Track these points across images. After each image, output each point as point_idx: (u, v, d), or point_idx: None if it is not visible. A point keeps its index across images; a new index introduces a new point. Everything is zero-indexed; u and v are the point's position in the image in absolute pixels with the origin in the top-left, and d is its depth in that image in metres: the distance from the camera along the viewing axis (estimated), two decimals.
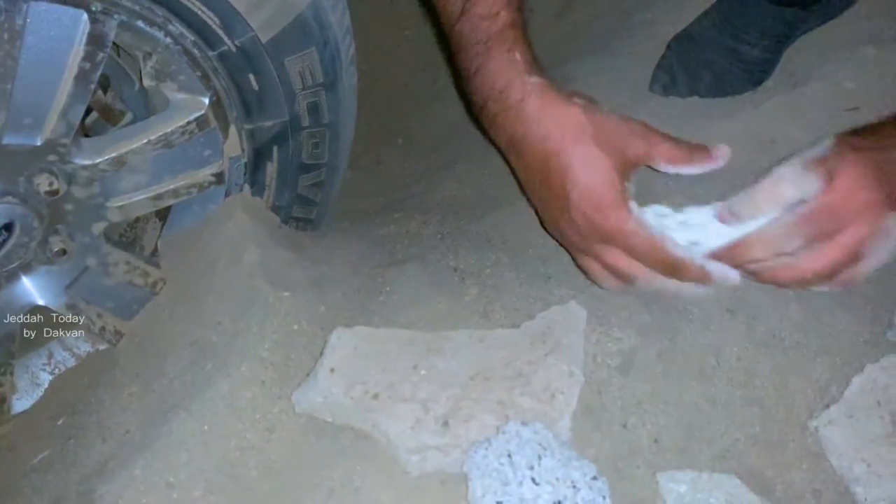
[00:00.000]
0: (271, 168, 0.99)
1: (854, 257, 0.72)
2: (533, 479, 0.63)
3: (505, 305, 0.84)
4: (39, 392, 0.97)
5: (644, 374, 0.77)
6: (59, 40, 0.73)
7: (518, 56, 0.78)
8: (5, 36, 0.69)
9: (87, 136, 0.97)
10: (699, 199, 0.84)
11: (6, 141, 0.76)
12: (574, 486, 0.64)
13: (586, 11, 1.36)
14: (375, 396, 0.72)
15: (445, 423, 0.70)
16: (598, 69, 1.14)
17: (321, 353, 0.77)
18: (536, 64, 0.80)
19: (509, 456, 0.65)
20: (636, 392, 0.76)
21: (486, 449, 0.66)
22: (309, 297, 0.88)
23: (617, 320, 0.79)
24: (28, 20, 0.70)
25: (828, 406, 0.75)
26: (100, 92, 0.96)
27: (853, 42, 1.03)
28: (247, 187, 0.99)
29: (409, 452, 0.69)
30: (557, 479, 0.64)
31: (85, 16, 0.73)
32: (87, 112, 0.93)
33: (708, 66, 1.07)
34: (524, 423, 0.67)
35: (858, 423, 0.72)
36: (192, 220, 1.00)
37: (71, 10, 0.72)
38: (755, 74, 1.06)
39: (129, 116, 0.95)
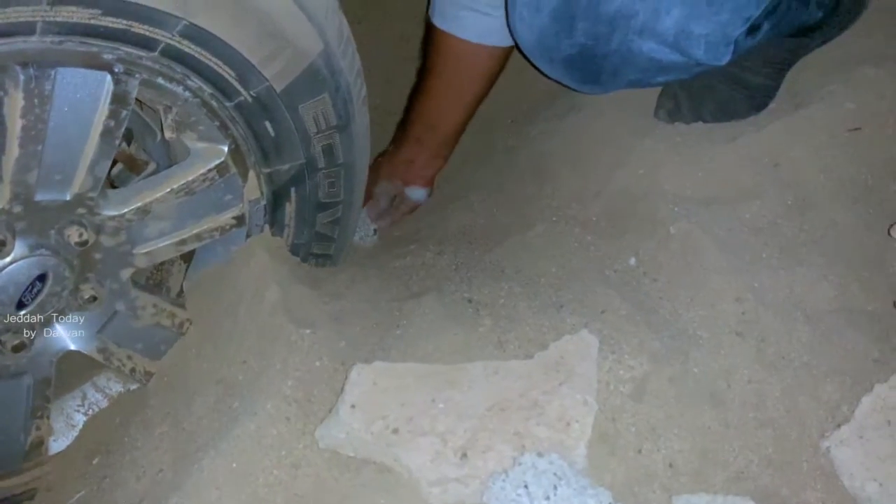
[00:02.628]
0: (290, 208, 1.03)
1: None
2: None
3: (519, 336, 0.86)
4: (74, 433, 1.01)
5: (657, 399, 0.79)
6: (85, 101, 0.77)
7: None
8: (35, 101, 0.73)
9: (113, 186, 1.01)
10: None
11: (38, 197, 0.80)
12: None
13: None
14: (395, 431, 0.74)
15: (464, 455, 0.72)
16: (603, 97, 1.16)
17: (342, 390, 0.80)
18: None
19: (526, 487, 0.67)
20: (650, 418, 0.78)
21: (504, 480, 0.68)
22: (329, 333, 0.91)
23: (629, 347, 0.81)
24: (56, 85, 0.74)
25: (839, 426, 0.76)
26: (124, 144, 1.00)
27: (853, 62, 1.04)
28: (267, 228, 1.02)
29: (430, 485, 0.71)
30: None
31: (108, 77, 0.77)
32: (113, 164, 0.98)
33: (711, 93, 1.09)
34: (540, 454, 0.69)
35: (869, 443, 0.73)
36: (215, 260, 1.04)
37: (95, 73, 0.76)
38: (758, 100, 1.08)
39: (152, 166, 0.99)
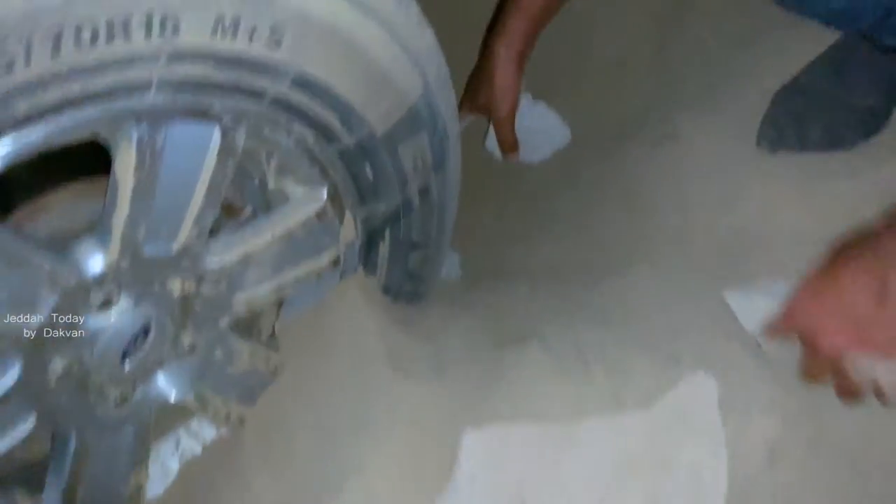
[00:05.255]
0: (383, 248, 1.01)
1: None
2: None
3: (635, 389, 0.82)
4: (169, 479, 1.00)
5: (790, 461, 0.75)
6: (193, 154, 0.76)
7: None
8: (147, 157, 0.72)
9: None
10: None
11: (145, 251, 0.78)
12: None
13: (679, 59, 1.33)
14: (523, 502, 0.71)
15: None
16: (701, 126, 1.12)
17: (456, 458, 0.77)
18: None
19: None
20: (786, 478, 0.74)
21: None
22: (432, 384, 0.88)
23: (757, 406, 0.77)
24: (167, 139, 0.73)
25: None
26: None
27: None
28: (360, 268, 1.00)
29: None
30: None
31: (217, 128, 0.75)
32: None
33: (818, 118, 1.04)
34: None
35: None
36: (307, 301, 1.02)
37: (204, 125, 0.75)
38: (869, 125, 1.03)
39: (248, 210, 0.97)
